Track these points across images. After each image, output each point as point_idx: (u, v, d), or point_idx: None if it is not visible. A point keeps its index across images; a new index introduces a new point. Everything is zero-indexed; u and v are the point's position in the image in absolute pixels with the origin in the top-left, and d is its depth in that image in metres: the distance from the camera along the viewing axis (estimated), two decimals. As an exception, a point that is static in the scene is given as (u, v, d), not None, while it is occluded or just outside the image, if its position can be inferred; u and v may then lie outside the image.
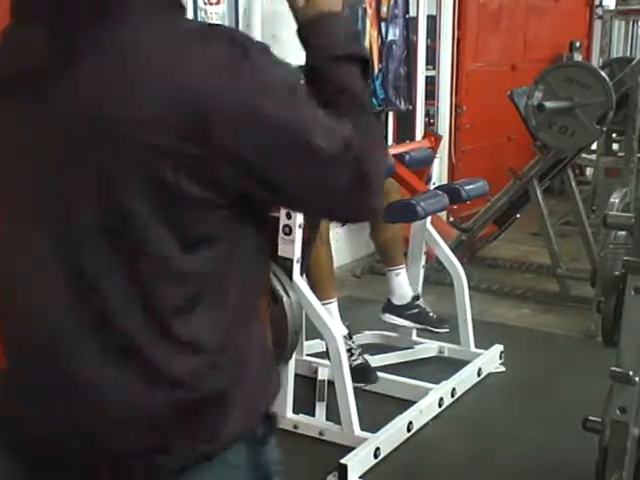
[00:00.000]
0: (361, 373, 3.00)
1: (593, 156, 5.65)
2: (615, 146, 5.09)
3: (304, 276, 2.89)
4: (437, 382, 3.12)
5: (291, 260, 2.75)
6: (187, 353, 1.00)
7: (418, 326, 3.35)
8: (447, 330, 3.35)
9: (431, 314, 3.29)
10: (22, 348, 1.07)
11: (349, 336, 3.06)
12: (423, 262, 3.51)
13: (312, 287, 2.99)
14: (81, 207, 0.96)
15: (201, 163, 0.94)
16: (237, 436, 1.05)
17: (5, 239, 1.06)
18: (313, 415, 2.94)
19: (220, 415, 1.03)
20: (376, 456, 2.65)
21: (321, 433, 2.83)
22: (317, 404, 3.01)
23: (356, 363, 3.00)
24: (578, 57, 7.43)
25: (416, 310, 3.28)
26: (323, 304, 2.94)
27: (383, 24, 5.27)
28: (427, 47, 5.86)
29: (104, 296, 0.98)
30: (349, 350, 2.98)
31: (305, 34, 1.22)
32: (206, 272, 1.00)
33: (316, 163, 0.99)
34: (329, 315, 2.95)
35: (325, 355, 2.94)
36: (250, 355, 1.09)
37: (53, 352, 1.01)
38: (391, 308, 3.30)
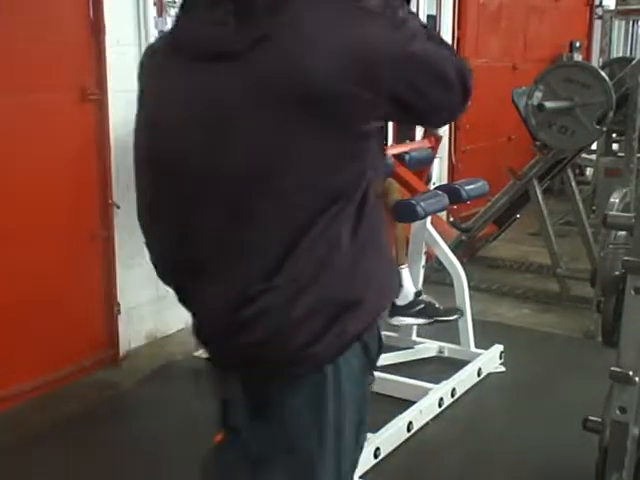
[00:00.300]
0: None
1: (593, 156, 5.65)
2: (615, 146, 5.09)
3: None
4: (437, 382, 3.12)
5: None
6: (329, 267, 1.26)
7: (427, 320, 3.34)
8: (457, 317, 3.34)
9: (437, 305, 3.29)
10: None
11: None
12: (423, 262, 3.51)
13: None
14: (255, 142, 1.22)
15: (372, 105, 1.23)
16: (362, 331, 1.32)
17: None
18: (313, 415, 2.93)
19: (353, 316, 1.29)
20: (376, 456, 2.65)
21: (321, 433, 2.83)
22: (317, 404, 3.01)
23: None
24: (578, 57, 7.43)
25: (422, 305, 3.27)
26: None
27: (383, 24, 5.29)
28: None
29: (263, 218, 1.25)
30: None
31: None
32: (354, 185, 1.27)
33: (447, 88, 1.29)
34: None
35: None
36: (378, 262, 1.34)
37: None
38: (397, 310, 3.30)
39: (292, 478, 1.36)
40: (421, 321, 3.35)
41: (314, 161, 1.23)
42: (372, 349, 1.37)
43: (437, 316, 3.30)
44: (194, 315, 1.45)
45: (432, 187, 3.42)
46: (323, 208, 1.24)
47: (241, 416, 1.43)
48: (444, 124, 1.56)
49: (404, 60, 1.24)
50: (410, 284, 3.31)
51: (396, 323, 3.34)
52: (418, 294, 3.30)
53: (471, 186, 3.29)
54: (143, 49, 3.47)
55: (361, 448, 1.45)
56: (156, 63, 1.36)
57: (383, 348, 1.43)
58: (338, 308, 1.28)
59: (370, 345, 1.36)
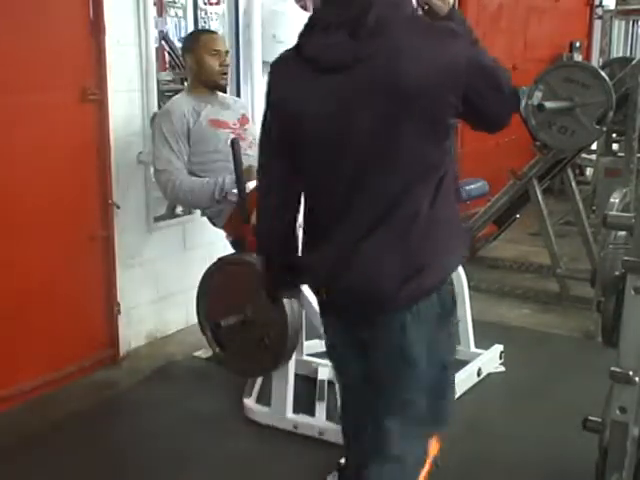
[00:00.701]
0: None
1: (593, 156, 5.65)
2: (615, 146, 5.09)
3: None
4: (437, 382, 3.12)
5: (291, 260, 2.75)
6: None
7: None
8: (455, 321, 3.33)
9: None
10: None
11: None
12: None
13: None
14: (368, 133, 1.67)
15: (452, 103, 1.67)
16: (434, 286, 1.74)
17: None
18: (313, 415, 2.94)
19: (427, 275, 1.70)
20: (376, 456, 2.65)
21: (321, 433, 2.83)
22: (317, 404, 3.01)
23: None
24: (578, 57, 7.43)
25: None
26: None
27: (383, 24, 5.29)
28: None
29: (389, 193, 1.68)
30: None
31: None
32: (434, 168, 1.70)
33: (501, 94, 1.74)
34: None
35: (325, 355, 2.94)
36: (449, 230, 1.76)
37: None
38: None
39: (395, 387, 1.81)
40: None
41: (412, 145, 1.66)
42: (446, 300, 1.78)
43: None
44: (315, 266, 1.82)
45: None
46: (410, 183, 1.68)
47: (351, 349, 1.87)
48: (498, 126, 1.87)
49: (476, 70, 1.68)
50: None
51: None
52: None
53: (471, 186, 3.30)
54: (143, 49, 3.51)
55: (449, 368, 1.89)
56: (285, 72, 1.82)
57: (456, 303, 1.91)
58: (416, 267, 1.69)
59: (443, 296, 1.77)
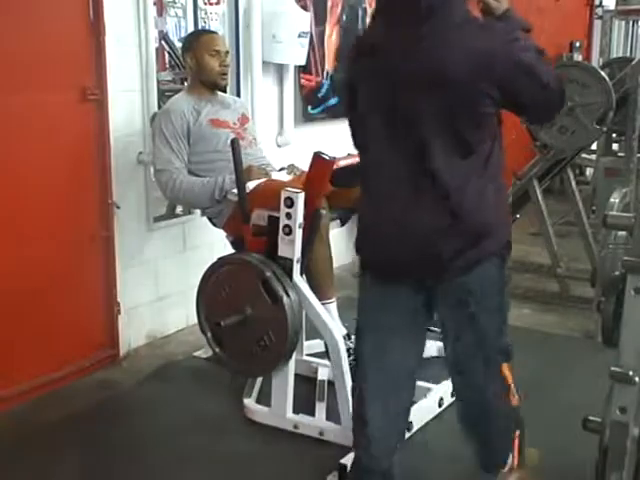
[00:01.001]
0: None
1: (593, 156, 5.64)
2: (615, 146, 5.09)
3: (304, 276, 2.89)
4: (437, 382, 3.12)
5: (291, 260, 2.75)
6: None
7: None
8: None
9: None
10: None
11: (348, 336, 3.05)
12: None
13: (312, 287, 2.98)
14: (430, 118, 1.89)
15: (489, 96, 1.86)
16: (497, 249, 2.04)
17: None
18: (313, 415, 2.94)
19: (491, 236, 1.99)
20: (376, 456, 2.65)
21: (321, 433, 2.83)
22: (317, 404, 3.01)
23: (355, 363, 2.99)
24: (578, 57, 7.43)
25: None
26: (322, 304, 2.94)
27: (383, 24, 5.29)
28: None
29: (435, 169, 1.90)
30: (348, 350, 2.97)
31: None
32: (479, 149, 1.92)
33: (543, 89, 1.92)
34: (328, 314, 2.95)
35: (325, 355, 2.94)
36: (503, 202, 2.11)
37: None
38: None
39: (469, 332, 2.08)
40: None
41: (457, 124, 1.88)
42: (507, 261, 2.09)
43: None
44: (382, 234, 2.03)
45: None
46: (464, 156, 1.90)
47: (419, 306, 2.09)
48: (541, 119, 2.20)
49: (514, 66, 1.87)
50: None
51: None
52: None
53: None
54: (143, 49, 3.51)
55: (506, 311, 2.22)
56: (353, 55, 2.08)
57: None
58: (478, 233, 1.96)
59: (506, 258, 2.08)
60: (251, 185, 3.06)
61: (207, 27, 7.05)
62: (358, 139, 2.06)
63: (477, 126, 1.90)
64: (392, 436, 2.13)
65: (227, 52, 3.45)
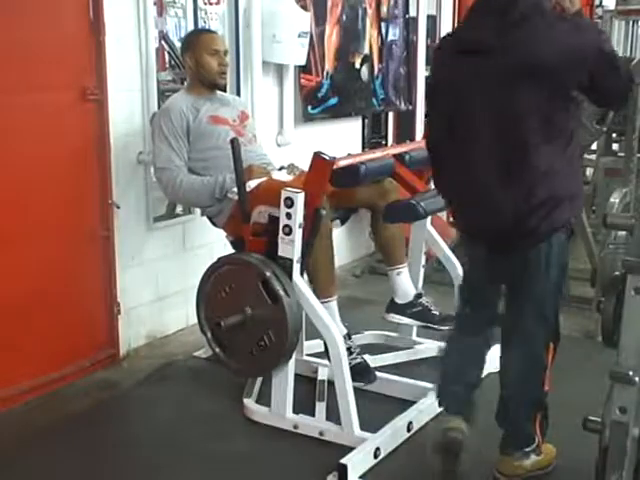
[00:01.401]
0: (359, 373, 2.99)
1: (593, 156, 5.64)
2: (615, 146, 5.08)
3: (304, 274, 2.89)
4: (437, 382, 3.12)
5: (291, 260, 2.75)
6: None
7: (420, 324, 3.35)
8: (450, 328, 3.33)
9: (434, 312, 3.28)
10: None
11: (348, 336, 3.06)
12: (423, 262, 3.51)
13: (312, 285, 2.98)
14: (510, 105, 2.24)
15: (579, 81, 2.23)
16: (565, 222, 2.36)
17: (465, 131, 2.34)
18: (313, 415, 2.94)
19: (563, 213, 2.33)
20: (376, 456, 2.65)
21: (321, 433, 2.83)
22: (317, 404, 3.01)
23: (355, 362, 3.00)
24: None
25: (419, 308, 3.26)
26: (323, 302, 2.94)
27: (383, 24, 5.28)
28: (427, 47, 5.88)
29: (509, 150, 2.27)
30: (348, 349, 2.97)
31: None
32: (566, 125, 2.28)
33: (618, 77, 2.27)
34: (329, 315, 2.95)
35: (325, 355, 2.94)
36: (575, 174, 2.40)
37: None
38: (394, 307, 3.29)
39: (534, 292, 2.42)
40: (412, 322, 3.34)
41: (550, 108, 2.23)
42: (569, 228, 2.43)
43: (431, 323, 3.28)
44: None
45: (432, 187, 3.42)
46: (551, 136, 2.23)
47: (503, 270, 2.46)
48: (614, 104, 2.64)
49: (600, 55, 2.21)
50: (410, 284, 3.30)
51: (389, 320, 3.34)
52: (418, 296, 3.29)
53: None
54: (143, 49, 3.51)
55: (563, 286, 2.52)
56: (443, 54, 2.48)
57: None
58: (556, 201, 2.28)
59: (569, 234, 2.42)
60: (252, 184, 3.06)
61: (207, 27, 7.04)
62: (455, 124, 2.36)
63: (566, 109, 2.26)
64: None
65: (226, 51, 3.44)
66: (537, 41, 2.20)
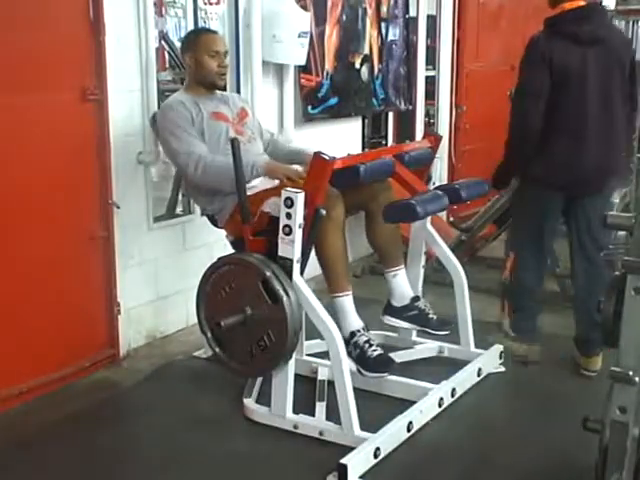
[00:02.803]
0: (382, 363, 2.98)
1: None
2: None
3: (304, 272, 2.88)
4: (437, 382, 3.12)
5: (291, 260, 2.75)
6: None
7: (417, 328, 3.34)
8: (447, 333, 3.31)
9: (431, 316, 3.25)
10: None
11: (366, 328, 3.04)
12: (423, 262, 3.50)
13: (327, 281, 2.98)
14: (613, 83, 3.29)
15: (628, 71, 3.36)
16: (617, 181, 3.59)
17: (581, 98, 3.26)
18: (313, 415, 2.94)
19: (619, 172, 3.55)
20: (376, 456, 2.65)
21: (321, 433, 2.83)
22: (317, 404, 3.01)
23: (376, 354, 2.97)
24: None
25: (415, 311, 3.24)
26: (339, 297, 2.94)
27: (383, 24, 5.28)
28: (427, 47, 5.88)
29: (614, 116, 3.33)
30: (368, 342, 2.97)
31: None
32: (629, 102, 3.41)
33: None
34: (342, 311, 2.97)
35: (325, 355, 2.94)
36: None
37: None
38: (390, 310, 3.28)
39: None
40: (408, 326, 3.32)
41: (623, 84, 3.30)
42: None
43: (428, 327, 3.25)
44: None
45: (432, 187, 3.42)
46: (620, 114, 3.29)
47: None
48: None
49: (632, 51, 3.49)
50: (407, 287, 3.29)
51: (386, 322, 3.33)
52: (415, 299, 3.27)
53: (471, 186, 3.29)
54: (143, 49, 3.51)
55: None
56: (559, 44, 3.23)
57: None
58: (618, 166, 3.46)
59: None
60: (256, 182, 3.04)
61: (207, 27, 7.04)
62: (569, 98, 3.20)
63: (628, 85, 3.31)
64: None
65: (226, 52, 3.43)
66: (613, 38, 3.34)
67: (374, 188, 3.13)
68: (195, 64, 3.34)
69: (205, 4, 7.42)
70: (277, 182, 3.12)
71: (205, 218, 3.39)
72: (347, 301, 3.01)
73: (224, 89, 3.58)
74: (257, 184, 3.12)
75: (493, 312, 4.03)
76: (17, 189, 3.06)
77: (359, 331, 2.98)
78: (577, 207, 3.32)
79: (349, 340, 2.96)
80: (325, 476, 2.57)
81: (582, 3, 3.24)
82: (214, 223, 3.32)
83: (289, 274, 2.76)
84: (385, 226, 3.14)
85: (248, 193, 2.95)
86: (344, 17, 4.82)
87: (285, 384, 2.88)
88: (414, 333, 3.57)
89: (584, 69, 3.17)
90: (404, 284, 3.27)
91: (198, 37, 3.43)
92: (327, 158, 2.72)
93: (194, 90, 3.37)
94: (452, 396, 3.12)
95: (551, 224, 3.43)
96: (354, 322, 3.00)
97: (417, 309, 3.24)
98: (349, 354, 2.92)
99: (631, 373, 1.84)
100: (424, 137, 3.36)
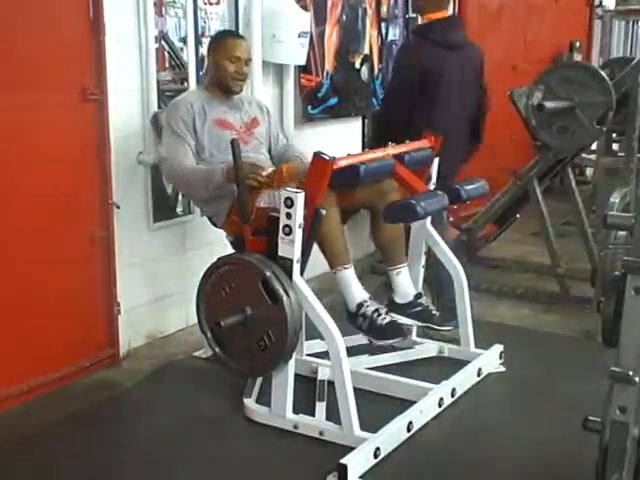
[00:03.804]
0: (394, 330, 2.99)
1: (593, 156, 5.65)
2: (615, 146, 5.09)
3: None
4: (437, 382, 3.12)
5: (291, 260, 2.75)
6: None
7: (421, 324, 3.34)
8: (450, 328, 3.35)
9: (434, 312, 3.28)
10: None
11: (371, 298, 3.05)
12: (423, 262, 3.50)
13: (326, 257, 2.98)
14: (471, 84, 3.85)
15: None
16: None
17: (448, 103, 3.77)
18: (313, 415, 2.94)
19: None
20: (376, 456, 2.65)
21: (321, 433, 2.83)
22: (317, 404, 3.01)
23: (386, 322, 2.99)
24: (578, 57, 7.43)
25: (419, 308, 3.26)
26: (340, 271, 2.95)
27: (383, 24, 5.28)
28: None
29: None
30: (376, 310, 2.98)
31: None
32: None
33: None
34: (345, 285, 2.98)
35: (325, 355, 2.94)
36: None
37: None
38: (394, 307, 3.29)
39: None
40: (412, 322, 3.33)
41: (476, 86, 3.91)
42: None
43: (431, 323, 3.28)
44: None
45: (432, 187, 3.42)
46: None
47: None
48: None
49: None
50: (410, 284, 3.30)
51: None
52: (418, 296, 3.28)
53: (471, 186, 3.28)
54: (143, 49, 3.51)
55: None
56: (436, 49, 3.65)
57: None
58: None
59: None
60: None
61: (207, 27, 7.04)
62: (437, 95, 3.71)
63: (478, 83, 3.90)
64: None
65: (249, 60, 3.44)
66: (472, 48, 3.89)
67: (382, 187, 3.14)
68: (215, 65, 3.36)
69: (205, 4, 7.41)
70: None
71: (205, 218, 3.40)
72: (349, 274, 3.02)
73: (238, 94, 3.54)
74: None
75: (493, 312, 4.04)
76: (17, 189, 3.06)
77: (365, 302, 3.00)
78: None
79: (357, 312, 2.97)
80: (325, 476, 2.57)
81: (447, 14, 3.80)
82: (214, 223, 3.33)
83: (289, 274, 2.76)
84: (390, 224, 3.16)
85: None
86: (344, 17, 4.82)
87: (285, 384, 2.88)
88: (414, 333, 3.57)
89: (449, 70, 3.67)
90: (407, 281, 3.28)
91: (222, 40, 3.43)
92: (327, 158, 2.72)
93: (210, 90, 3.40)
94: (452, 396, 3.12)
95: None
96: (359, 294, 3.01)
97: (420, 306, 3.26)
98: (359, 327, 2.95)
99: (631, 373, 1.84)
100: (424, 137, 3.35)
